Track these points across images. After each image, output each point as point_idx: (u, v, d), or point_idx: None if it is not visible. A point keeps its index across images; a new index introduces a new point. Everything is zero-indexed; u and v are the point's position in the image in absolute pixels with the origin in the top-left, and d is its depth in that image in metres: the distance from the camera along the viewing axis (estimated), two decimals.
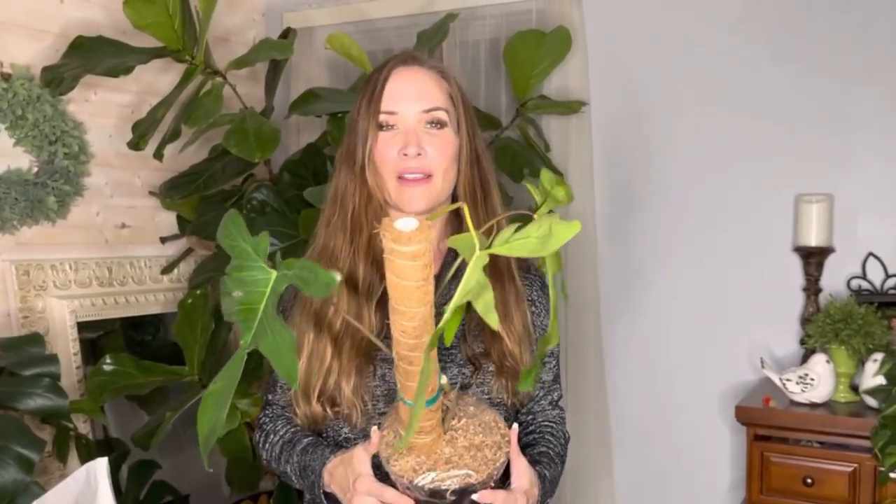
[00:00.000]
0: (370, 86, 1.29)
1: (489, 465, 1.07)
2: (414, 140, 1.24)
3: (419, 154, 1.23)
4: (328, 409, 1.26)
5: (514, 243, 0.89)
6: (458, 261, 0.97)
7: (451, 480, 1.04)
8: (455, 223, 1.33)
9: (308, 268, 0.89)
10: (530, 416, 1.39)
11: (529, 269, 1.40)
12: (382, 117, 1.26)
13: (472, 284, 0.88)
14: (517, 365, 1.26)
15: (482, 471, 1.06)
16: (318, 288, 0.87)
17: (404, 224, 0.90)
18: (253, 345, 0.89)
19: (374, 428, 1.14)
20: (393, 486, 1.10)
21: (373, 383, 1.26)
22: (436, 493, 1.04)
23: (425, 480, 1.04)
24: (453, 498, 1.05)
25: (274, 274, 0.91)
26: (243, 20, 2.89)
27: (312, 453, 1.28)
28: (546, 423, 1.39)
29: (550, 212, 1.01)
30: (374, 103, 1.26)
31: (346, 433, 1.30)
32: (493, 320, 0.88)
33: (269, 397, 1.40)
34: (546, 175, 1.06)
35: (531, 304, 1.35)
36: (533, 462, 1.27)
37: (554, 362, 1.40)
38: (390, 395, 1.25)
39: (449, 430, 1.09)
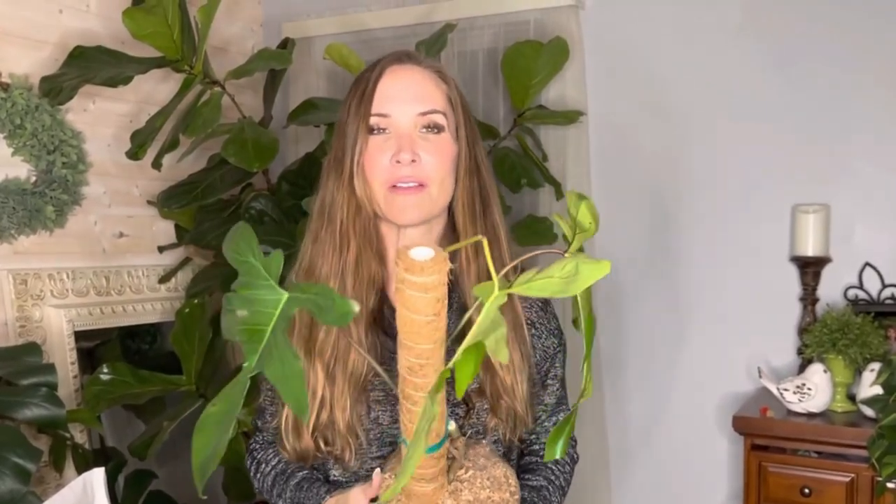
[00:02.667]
0: (361, 85, 1.17)
1: None
2: (408, 145, 1.12)
3: (413, 161, 1.12)
4: (321, 446, 1.16)
5: (535, 283, 0.83)
6: (474, 306, 0.89)
7: None
8: (451, 241, 1.21)
9: (325, 294, 0.82)
10: (533, 436, 1.31)
11: None
12: (373, 120, 1.14)
13: (487, 324, 0.81)
14: (513, 402, 1.16)
15: None
16: (335, 317, 0.81)
17: (419, 253, 0.84)
18: (258, 369, 0.84)
19: (377, 470, 1.06)
20: None
21: (367, 426, 1.16)
22: None
23: None
24: None
25: (285, 296, 0.85)
26: (242, 30, 2.90)
27: (308, 490, 1.19)
28: None
29: (580, 249, 0.94)
30: (364, 104, 1.14)
31: (335, 475, 1.21)
32: (503, 355, 0.82)
33: (259, 423, 1.32)
34: (572, 197, 0.96)
35: (531, 326, 1.25)
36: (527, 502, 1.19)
37: (557, 385, 1.30)
38: (383, 440, 1.17)
39: (454, 482, 1.02)
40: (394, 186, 1.13)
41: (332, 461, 1.19)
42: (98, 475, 1.43)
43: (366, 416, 1.16)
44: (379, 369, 1.03)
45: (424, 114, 1.15)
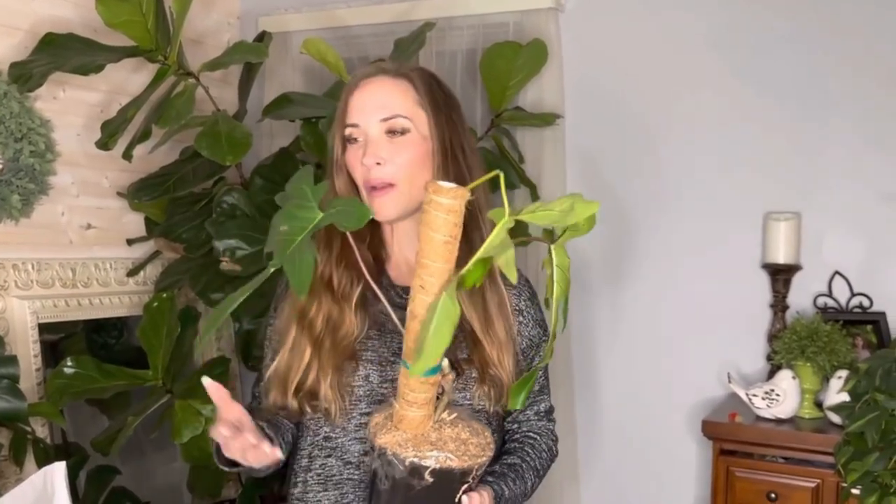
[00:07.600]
0: (342, 98, 1.33)
1: (471, 459, 1.11)
2: (371, 150, 1.26)
3: (378, 164, 1.26)
4: (306, 404, 1.28)
5: (538, 213, 0.98)
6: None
7: (431, 460, 1.08)
8: None
9: (348, 203, 1.08)
10: (515, 425, 1.41)
11: (518, 279, 1.39)
12: (347, 130, 1.30)
13: (497, 242, 0.96)
14: (500, 373, 1.28)
15: (464, 460, 1.10)
16: (354, 220, 1.02)
17: (446, 184, 1.02)
18: (279, 264, 1.03)
19: (205, 378, 1.17)
20: (375, 474, 1.13)
21: (355, 382, 1.28)
22: (415, 471, 1.08)
23: (407, 454, 1.08)
24: (431, 479, 1.08)
25: (320, 214, 1.06)
26: (218, 22, 2.86)
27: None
28: (530, 433, 1.40)
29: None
30: (339, 116, 1.31)
31: (325, 431, 1.32)
32: (512, 274, 0.97)
33: (255, 390, 1.46)
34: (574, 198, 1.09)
35: (518, 313, 1.37)
36: (498, 475, 1.28)
37: (540, 373, 1.39)
38: (372, 397, 1.28)
39: (439, 420, 1.13)
40: (372, 188, 1.28)
41: (322, 419, 1.30)
42: (59, 469, 1.40)
43: (355, 374, 1.28)
44: (389, 310, 1.16)
45: (386, 119, 1.28)
